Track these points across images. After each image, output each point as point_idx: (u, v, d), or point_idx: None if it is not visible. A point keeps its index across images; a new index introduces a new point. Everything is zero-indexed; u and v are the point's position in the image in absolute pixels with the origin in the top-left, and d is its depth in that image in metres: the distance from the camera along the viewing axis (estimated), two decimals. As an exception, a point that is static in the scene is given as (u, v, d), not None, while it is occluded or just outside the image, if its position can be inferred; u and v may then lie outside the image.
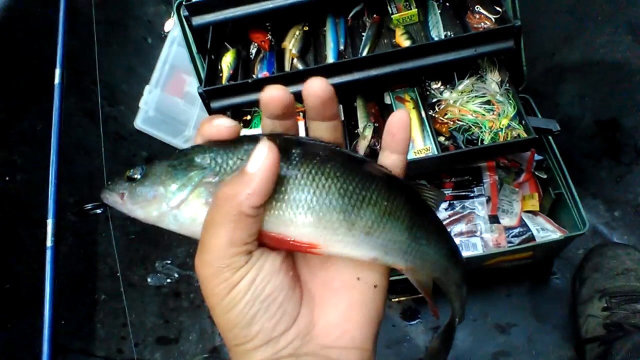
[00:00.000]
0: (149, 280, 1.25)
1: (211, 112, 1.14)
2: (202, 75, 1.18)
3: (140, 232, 1.16)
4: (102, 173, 1.17)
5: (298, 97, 0.41)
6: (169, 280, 1.27)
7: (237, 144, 0.39)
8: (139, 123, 1.34)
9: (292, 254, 0.41)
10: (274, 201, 0.37)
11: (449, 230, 1.13)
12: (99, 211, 0.99)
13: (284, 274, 0.38)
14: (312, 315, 0.39)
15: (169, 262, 1.29)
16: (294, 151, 0.38)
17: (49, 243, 0.88)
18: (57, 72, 1.02)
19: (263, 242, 0.37)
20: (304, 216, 0.37)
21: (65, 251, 1.12)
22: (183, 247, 1.34)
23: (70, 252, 1.13)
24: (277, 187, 0.36)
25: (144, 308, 1.23)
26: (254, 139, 0.38)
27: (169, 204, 0.37)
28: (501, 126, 1.06)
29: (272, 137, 0.38)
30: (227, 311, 0.36)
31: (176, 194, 0.37)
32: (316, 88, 0.38)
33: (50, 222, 0.89)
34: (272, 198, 0.36)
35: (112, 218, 1.14)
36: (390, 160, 0.43)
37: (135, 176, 0.39)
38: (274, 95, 0.38)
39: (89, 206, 0.97)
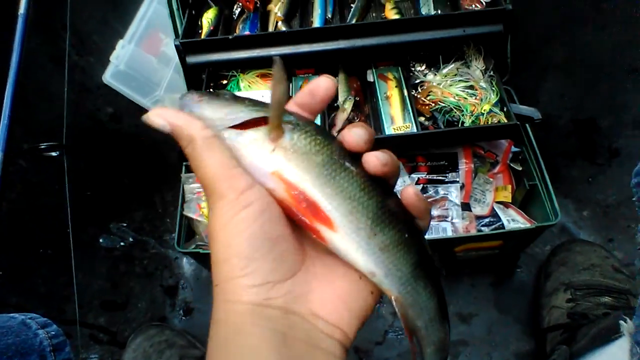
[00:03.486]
0: (101, 240, 1.17)
1: (187, 68, 1.09)
2: (180, 31, 1.12)
3: (97, 189, 1.07)
4: (62, 123, 1.09)
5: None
6: (122, 244, 1.19)
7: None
8: (107, 77, 1.27)
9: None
10: (323, 177, 0.39)
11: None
12: (54, 154, 0.91)
13: (287, 227, 0.38)
14: (311, 283, 0.39)
15: (124, 224, 1.22)
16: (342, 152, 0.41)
17: (-7, 177, 0.80)
18: (23, 0, 0.94)
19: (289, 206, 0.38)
20: (341, 200, 0.39)
21: (13, 198, 1.04)
22: (141, 212, 1.26)
23: (19, 199, 1.05)
24: (331, 167, 0.39)
25: (92, 269, 1.15)
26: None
27: (227, 116, 0.40)
28: (482, 111, 1.05)
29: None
30: (230, 237, 0.35)
31: (239, 114, 0.40)
32: (322, 81, 0.41)
33: (-3, 155, 0.81)
34: (321, 173, 0.39)
35: (68, 171, 1.06)
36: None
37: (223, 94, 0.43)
38: (324, 82, 0.41)
39: (43, 146, 0.89)
